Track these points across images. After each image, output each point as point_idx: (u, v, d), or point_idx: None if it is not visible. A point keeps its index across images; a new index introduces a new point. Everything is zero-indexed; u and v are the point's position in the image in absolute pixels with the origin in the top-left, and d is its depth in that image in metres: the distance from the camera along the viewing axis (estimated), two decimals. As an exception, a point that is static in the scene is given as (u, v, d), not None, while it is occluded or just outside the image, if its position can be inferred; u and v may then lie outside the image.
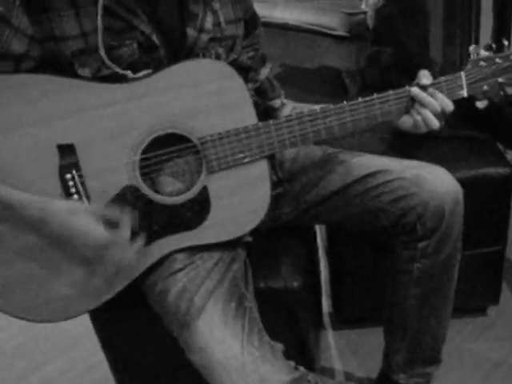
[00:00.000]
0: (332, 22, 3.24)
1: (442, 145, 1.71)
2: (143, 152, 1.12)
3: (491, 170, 1.60)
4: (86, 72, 1.08)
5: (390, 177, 1.29)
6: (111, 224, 1.04)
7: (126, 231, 1.04)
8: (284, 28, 3.51)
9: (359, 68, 3.29)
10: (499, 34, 2.74)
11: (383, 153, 1.41)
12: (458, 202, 1.28)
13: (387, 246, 1.37)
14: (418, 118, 1.18)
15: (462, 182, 1.30)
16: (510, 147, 2.07)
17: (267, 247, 1.42)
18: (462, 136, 1.77)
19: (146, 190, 1.13)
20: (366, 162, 1.33)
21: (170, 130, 1.12)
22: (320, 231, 1.99)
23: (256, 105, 1.17)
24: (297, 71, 4.02)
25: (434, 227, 1.27)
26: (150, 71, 1.11)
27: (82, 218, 1.03)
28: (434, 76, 1.18)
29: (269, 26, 3.42)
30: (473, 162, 1.63)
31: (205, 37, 1.18)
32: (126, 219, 1.05)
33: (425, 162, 1.33)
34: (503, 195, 1.64)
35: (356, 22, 3.18)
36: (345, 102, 1.17)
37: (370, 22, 3.16)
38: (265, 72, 1.38)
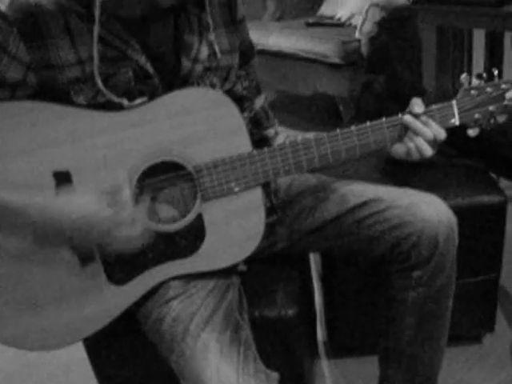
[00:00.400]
0: (326, 49, 3.28)
1: (435, 173, 1.71)
2: (138, 180, 1.12)
3: (484, 198, 1.61)
4: (82, 99, 1.09)
5: (384, 205, 1.29)
6: None
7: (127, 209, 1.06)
8: (279, 55, 3.55)
9: (353, 95, 3.33)
10: (491, 62, 2.78)
11: (376, 181, 1.42)
12: (452, 231, 1.28)
13: (381, 274, 1.37)
14: (411, 145, 1.18)
15: (455, 210, 1.30)
16: (503, 175, 2.08)
17: (262, 276, 1.42)
18: (455, 164, 1.77)
19: (140, 217, 1.13)
20: (360, 191, 1.33)
21: (165, 158, 1.12)
22: (314, 259, 1.98)
23: (251, 134, 1.18)
24: (291, 98, 4.06)
25: (429, 256, 1.26)
26: (145, 99, 1.12)
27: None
28: (428, 104, 1.19)
29: (263, 53, 3.46)
30: (466, 189, 1.63)
31: (199, 67, 1.19)
32: (124, 196, 1.07)
33: (418, 190, 1.33)
34: (496, 223, 1.64)
35: (350, 49, 3.22)
36: (338, 130, 1.17)
37: (364, 50, 3.21)
38: (259, 102, 1.38)
